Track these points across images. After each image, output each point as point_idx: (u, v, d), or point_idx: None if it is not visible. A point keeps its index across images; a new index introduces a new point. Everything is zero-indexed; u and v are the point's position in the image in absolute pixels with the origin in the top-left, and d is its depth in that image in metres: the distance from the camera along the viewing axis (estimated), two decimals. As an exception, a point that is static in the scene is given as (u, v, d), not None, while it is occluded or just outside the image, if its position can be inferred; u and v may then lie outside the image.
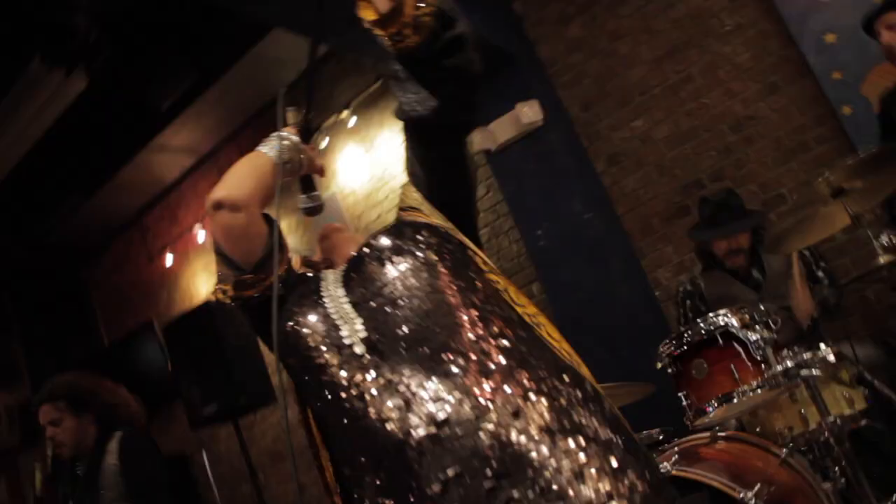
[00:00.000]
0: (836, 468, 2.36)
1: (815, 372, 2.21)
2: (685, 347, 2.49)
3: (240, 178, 1.44)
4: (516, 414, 1.13)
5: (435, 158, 1.45)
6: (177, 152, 5.91)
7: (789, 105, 4.21)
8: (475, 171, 1.53)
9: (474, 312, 1.25)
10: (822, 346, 2.38)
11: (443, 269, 1.30)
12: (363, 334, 1.25)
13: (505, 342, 1.22)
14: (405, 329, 1.23)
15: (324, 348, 1.27)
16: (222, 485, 5.83)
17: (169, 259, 6.46)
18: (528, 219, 4.62)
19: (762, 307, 2.45)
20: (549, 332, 1.33)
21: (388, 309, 1.26)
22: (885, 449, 2.71)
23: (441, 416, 1.13)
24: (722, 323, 2.41)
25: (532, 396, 1.16)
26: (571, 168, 4.54)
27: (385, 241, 1.35)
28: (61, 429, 2.96)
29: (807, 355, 2.28)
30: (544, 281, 4.62)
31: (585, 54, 4.79)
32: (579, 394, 1.21)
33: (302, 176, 1.59)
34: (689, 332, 2.47)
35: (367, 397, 1.19)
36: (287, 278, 1.46)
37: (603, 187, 4.70)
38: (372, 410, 1.18)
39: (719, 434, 2.54)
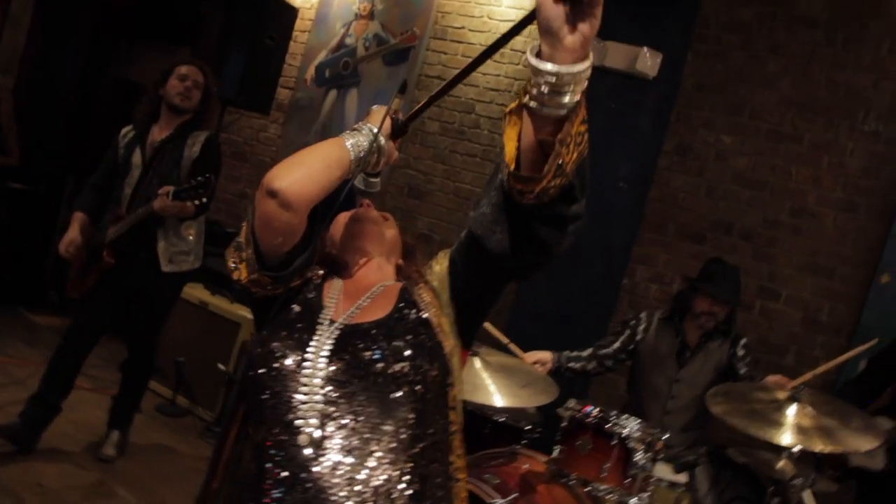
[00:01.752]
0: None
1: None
2: (587, 420, 2.65)
3: (307, 173, 1.40)
4: None
5: (483, 274, 1.44)
6: None
7: (850, 232, 4.14)
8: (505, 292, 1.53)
9: (410, 469, 1.32)
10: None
11: (411, 416, 1.34)
12: (315, 431, 1.31)
13: (413, 500, 1.32)
14: (354, 448, 1.30)
15: (287, 409, 1.34)
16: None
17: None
18: (574, 145, 4.53)
19: (664, 438, 2.61)
20: (459, 492, 1.43)
21: (346, 423, 1.32)
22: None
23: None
24: (625, 431, 2.56)
25: None
26: (642, 134, 4.41)
27: (383, 343, 1.37)
28: (194, 91, 3.69)
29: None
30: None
31: (739, 41, 4.48)
32: None
33: None
34: (603, 416, 2.62)
35: (295, 470, 1.30)
36: (300, 284, 1.50)
37: (655, 169, 4.61)
38: (292, 480, 1.30)
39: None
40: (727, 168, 4.47)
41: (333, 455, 1.30)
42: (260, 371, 1.38)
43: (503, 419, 3.20)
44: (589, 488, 2.58)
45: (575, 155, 1.17)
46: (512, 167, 1.21)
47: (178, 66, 3.72)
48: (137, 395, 3.94)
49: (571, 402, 2.72)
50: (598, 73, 4.37)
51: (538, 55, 1.13)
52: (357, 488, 1.28)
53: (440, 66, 5.38)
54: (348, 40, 5.74)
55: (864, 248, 4.11)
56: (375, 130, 1.50)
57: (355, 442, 1.31)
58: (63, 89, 6.33)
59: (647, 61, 4.22)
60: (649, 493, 2.56)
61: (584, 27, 1.09)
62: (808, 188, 4.27)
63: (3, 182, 5.48)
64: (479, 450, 2.94)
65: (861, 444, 2.54)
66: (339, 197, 1.48)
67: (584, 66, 1.12)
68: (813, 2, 4.32)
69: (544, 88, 1.13)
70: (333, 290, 1.52)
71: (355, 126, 1.52)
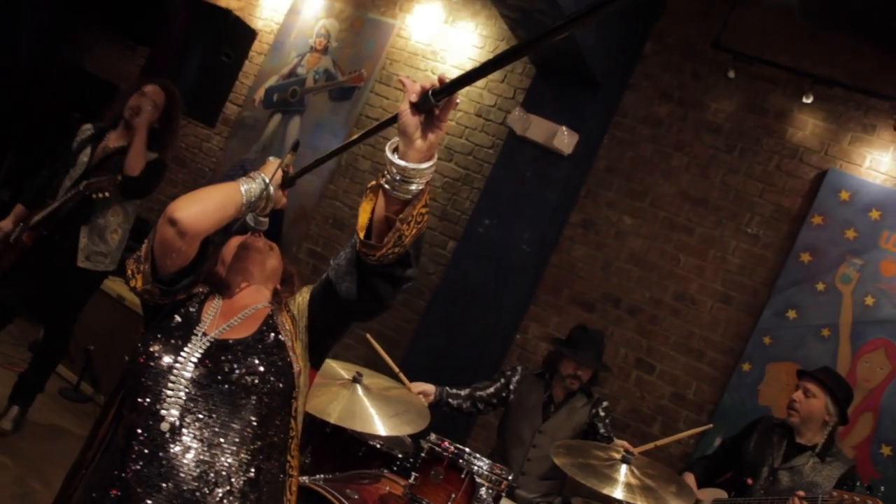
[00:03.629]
0: None
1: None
2: (444, 453, 2.93)
3: (204, 210, 1.67)
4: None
5: (333, 312, 1.75)
6: None
7: (722, 321, 4.58)
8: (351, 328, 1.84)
9: (249, 461, 1.61)
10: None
11: (254, 418, 1.63)
12: (174, 418, 1.59)
13: (252, 495, 1.60)
14: (204, 439, 1.59)
15: (155, 398, 1.61)
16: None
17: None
18: (489, 202, 4.88)
19: (509, 478, 2.91)
20: (291, 486, 1.71)
21: (201, 418, 1.60)
22: None
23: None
24: (476, 466, 2.86)
25: None
26: (551, 204, 4.77)
27: (242, 358, 1.65)
28: (146, 111, 3.82)
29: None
30: (455, 252, 4.97)
31: (649, 134, 4.94)
32: None
33: None
34: (458, 452, 2.91)
35: (152, 448, 1.58)
36: (185, 298, 1.77)
37: (559, 237, 5.00)
38: (150, 456, 1.57)
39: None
40: (624, 247, 4.88)
41: (188, 440, 1.58)
42: (139, 365, 1.66)
43: (378, 444, 3.46)
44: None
45: (414, 230, 1.48)
46: (361, 235, 1.53)
47: (145, 83, 3.92)
48: (43, 376, 4.08)
49: (433, 436, 3.00)
50: (520, 142, 4.79)
51: (395, 150, 1.44)
52: (203, 469, 1.56)
53: (380, 109, 5.71)
54: (300, 70, 6.03)
55: (733, 337, 4.54)
56: (267, 181, 1.79)
57: (206, 434, 1.60)
58: (13, 68, 6.44)
59: (565, 139, 4.62)
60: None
61: (431, 136, 1.41)
62: (692, 276, 4.70)
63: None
64: (350, 469, 3.19)
65: None
66: (231, 230, 1.76)
67: (429, 165, 1.44)
68: (720, 112, 4.80)
69: (396, 177, 1.44)
70: (212, 308, 1.80)
71: (251, 174, 1.81)
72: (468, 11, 5.56)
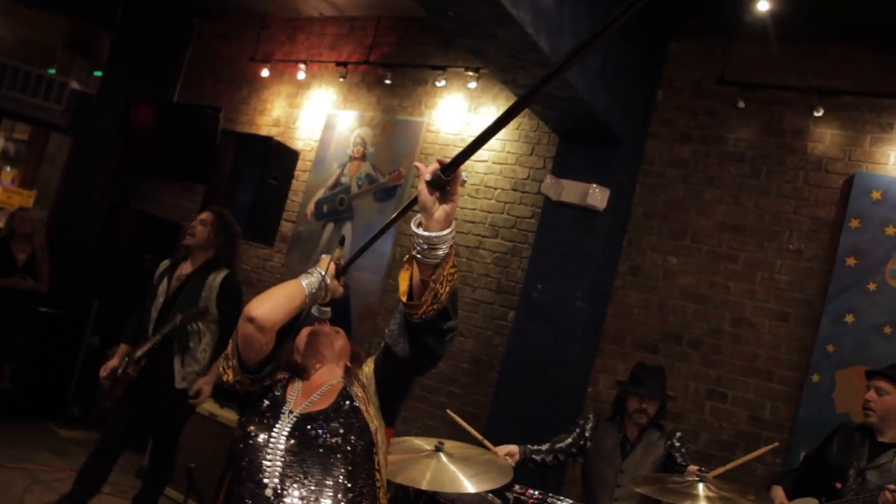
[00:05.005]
0: None
1: None
2: (529, 500, 3.12)
3: (275, 305, 2.00)
4: None
5: (394, 372, 2.03)
6: (325, 1, 6.33)
7: (783, 338, 4.68)
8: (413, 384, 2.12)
9: None
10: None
11: (343, 472, 1.90)
12: (276, 484, 1.88)
13: None
14: (303, 497, 1.86)
15: (256, 469, 1.90)
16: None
17: (265, 71, 6.96)
18: (539, 267, 5.14)
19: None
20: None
21: (298, 480, 1.88)
22: None
23: None
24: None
25: None
26: (598, 257, 5.00)
27: (325, 425, 1.95)
28: (198, 229, 4.29)
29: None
30: (517, 319, 5.20)
31: (678, 175, 5.17)
32: None
33: None
34: (542, 497, 3.10)
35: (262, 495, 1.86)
36: (271, 384, 2.07)
37: (612, 285, 5.21)
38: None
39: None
40: (674, 285, 5.06)
41: (289, 501, 1.85)
42: (240, 445, 1.97)
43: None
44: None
45: (447, 288, 1.78)
46: (404, 298, 1.83)
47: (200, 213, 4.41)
48: (155, 499, 4.40)
49: (516, 487, 3.20)
50: (556, 206, 5.07)
51: (419, 225, 1.75)
52: None
53: (424, 200, 6.07)
54: (343, 179, 6.48)
55: (797, 351, 4.63)
56: (323, 273, 2.11)
57: (304, 492, 1.88)
58: (90, 221, 7.07)
59: (597, 195, 4.89)
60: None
61: (446, 207, 1.72)
62: (745, 300, 4.83)
63: (34, 306, 6.12)
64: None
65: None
66: (299, 321, 2.08)
67: (448, 231, 1.74)
68: (739, 141, 5.03)
69: (424, 246, 1.75)
70: (294, 390, 2.11)
71: (309, 270, 2.14)
72: (488, 96, 5.96)
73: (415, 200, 1.76)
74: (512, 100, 5.82)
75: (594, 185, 4.90)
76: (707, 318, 4.92)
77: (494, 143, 5.84)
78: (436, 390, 5.71)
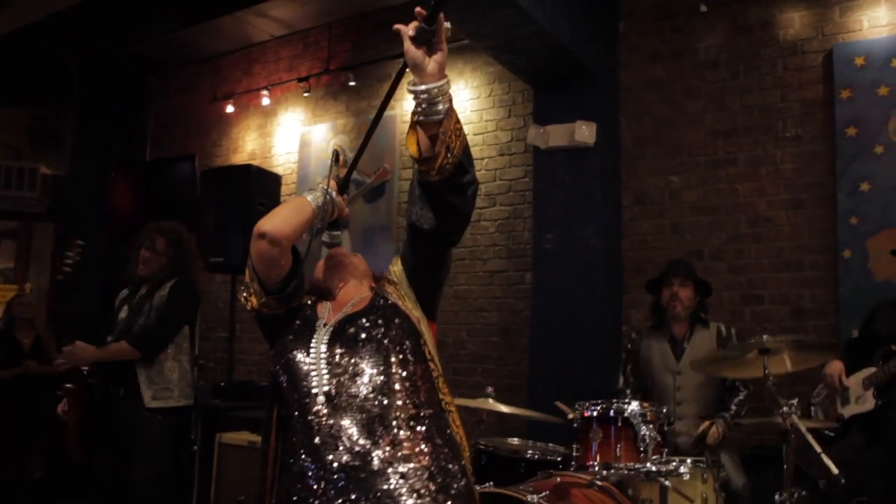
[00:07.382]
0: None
1: (666, 482, 2.73)
2: (594, 414, 2.99)
3: (284, 218, 1.88)
4: (405, 469, 1.65)
5: (425, 251, 1.93)
6: (273, 21, 6.32)
7: (804, 225, 4.57)
8: (450, 261, 2.00)
9: (406, 401, 1.74)
10: (689, 461, 2.90)
11: (394, 360, 1.77)
12: (326, 388, 1.74)
13: (419, 427, 1.72)
14: (359, 395, 1.73)
15: (301, 381, 1.78)
16: (201, 321, 6.49)
17: (230, 107, 6.92)
18: (544, 219, 5.05)
19: (663, 412, 2.95)
20: (454, 419, 1.83)
21: (349, 379, 1.75)
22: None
23: (353, 460, 1.66)
24: (628, 411, 2.91)
25: (423, 461, 1.67)
26: (599, 193, 4.92)
27: (365, 322, 1.83)
28: (154, 260, 4.03)
29: (671, 465, 2.79)
30: (535, 278, 5.09)
31: (658, 96, 5.11)
32: (453, 467, 1.72)
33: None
34: (605, 406, 2.97)
35: (315, 425, 1.71)
36: (297, 306, 1.96)
37: (620, 220, 5.11)
38: (316, 432, 1.71)
39: (596, 482, 3.06)
40: (682, 203, 4.96)
41: (344, 399, 1.73)
42: (278, 365, 1.84)
43: (535, 455, 3.50)
44: (611, 471, 2.88)
45: (458, 142, 1.71)
46: (417, 157, 1.74)
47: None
48: None
49: (576, 404, 3.07)
50: (548, 154, 5.00)
51: (414, 84, 1.68)
52: (369, 417, 1.71)
53: (414, 189, 6.00)
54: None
55: (821, 233, 4.52)
56: (325, 187, 2.00)
57: (355, 390, 1.73)
58: (88, 294, 6.90)
59: (584, 131, 4.81)
60: (662, 458, 2.86)
61: (436, 57, 1.67)
62: (756, 199, 4.73)
63: (49, 387, 5.98)
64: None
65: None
66: (311, 240, 1.97)
67: (444, 81, 1.69)
68: (710, 47, 4.98)
69: (423, 104, 1.69)
70: (325, 308, 1.98)
71: (311, 187, 2.03)
72: (454, 73, 5.91)
73: (404, 68, 1.72)
74: (476, 69, 5.80)
75: (579, 121, 4.82)
76: (723, 227, 4.82)
77: (471, 115, 5.80)
78: (470, 372, 5.57)
